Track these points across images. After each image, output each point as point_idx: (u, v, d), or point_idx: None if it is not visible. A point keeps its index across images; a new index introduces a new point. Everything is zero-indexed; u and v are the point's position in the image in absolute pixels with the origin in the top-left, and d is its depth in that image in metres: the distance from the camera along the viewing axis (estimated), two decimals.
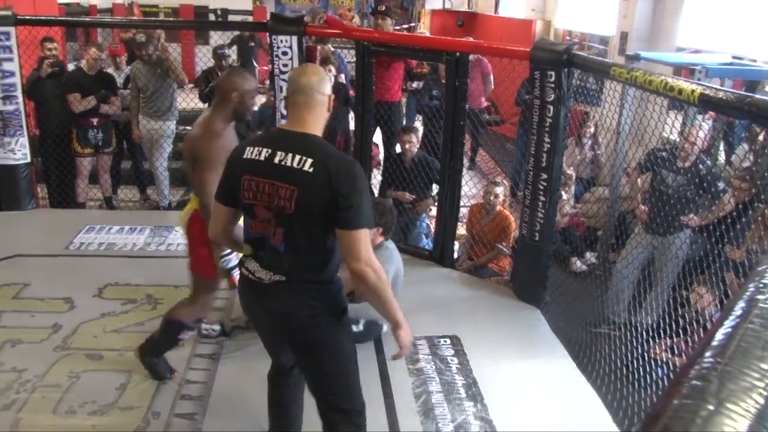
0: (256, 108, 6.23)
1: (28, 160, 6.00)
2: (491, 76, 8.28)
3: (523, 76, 5.36)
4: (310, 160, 2.33)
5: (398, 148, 5.94)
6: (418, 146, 5.74)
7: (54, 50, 6.38)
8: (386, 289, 2.41)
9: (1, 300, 4.42)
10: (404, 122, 7.15)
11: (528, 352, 4.04)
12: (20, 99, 5.81)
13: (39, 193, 6.38)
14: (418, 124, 8.06)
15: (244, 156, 2.45)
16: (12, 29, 5.65)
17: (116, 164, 6.99)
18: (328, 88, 2.51)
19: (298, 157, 2.34)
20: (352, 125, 6.24)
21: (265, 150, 2.40)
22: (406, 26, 16.58)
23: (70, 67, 6.78)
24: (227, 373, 3.66)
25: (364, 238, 2.35)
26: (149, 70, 6.37)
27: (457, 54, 4.75)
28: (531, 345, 4.16)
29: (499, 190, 5.36)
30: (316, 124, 2.48)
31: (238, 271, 2.76)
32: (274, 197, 2.36)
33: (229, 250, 3.21)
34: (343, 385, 2.63)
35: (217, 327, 3.92)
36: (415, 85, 8.43)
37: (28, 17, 6.05)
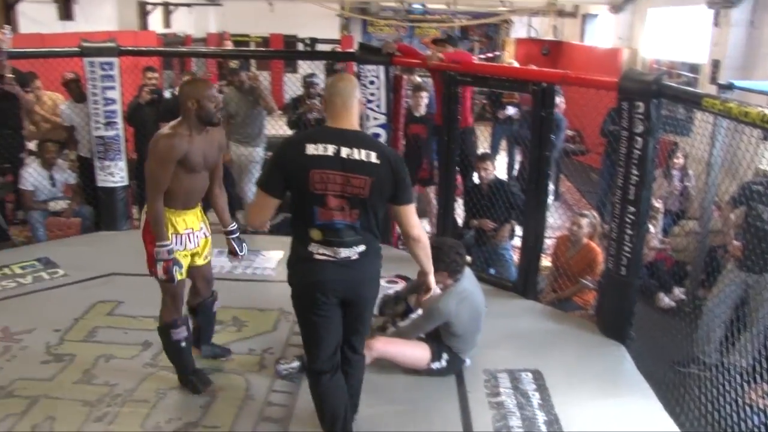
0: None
1: (126, 183, 6.31)
2: None
3: (609, 105, 5.27)
4: (374, 153, 2.84)
5: (476, 178, 5.95)
6: (494, 173, 5.75)
7: (154, 79, 6.74)
8: (429, 244, 3.10)
9: (96, 316, 4.65)
10: (480, 149, 7.13)
11: (612, 390, 3.92)
12: (120, 125, 6.12)
13: (134, 215, 6.67)
14: (503, 154, 8.02)
15: (307, 152, 2.83)
16: (115, 60, 5.97)
17: None
18: (359, 94, 2.98)
19: (363, 151, 2.83)
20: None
21: (331, 146, 2.82)
22: (491, 55, 16.59)
23: (167, 94, 7.10)
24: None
25: (414, 209, 3.00)
26: (241, 97, 6.58)
27: (544, 84, 4.72)
28: (615, 383, 4.03)
29: (585, 222, 5.26)
30: (355, 121, 2.96)
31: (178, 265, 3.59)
32: (347, 186, 2.82)
33: (164, 242, 3.45)
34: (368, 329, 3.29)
35: (295, 364, 3.92)
36: (510, 112, 8.35)
37: (129, 48, 6.39)
